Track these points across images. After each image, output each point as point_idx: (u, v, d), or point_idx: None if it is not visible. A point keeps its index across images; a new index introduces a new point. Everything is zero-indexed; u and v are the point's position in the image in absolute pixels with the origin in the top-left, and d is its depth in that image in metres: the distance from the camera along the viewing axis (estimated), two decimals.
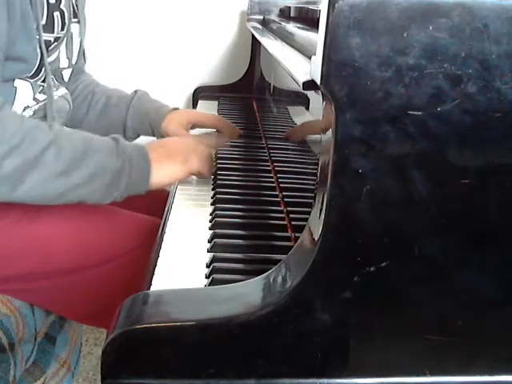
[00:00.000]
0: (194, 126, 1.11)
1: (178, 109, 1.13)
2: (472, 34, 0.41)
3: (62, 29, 0.93)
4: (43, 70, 0.89)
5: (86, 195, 0.76)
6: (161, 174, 0.82)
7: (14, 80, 0.85)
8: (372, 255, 0.46)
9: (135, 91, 1.16)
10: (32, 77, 0.88)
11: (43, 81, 0.91)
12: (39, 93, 0.92)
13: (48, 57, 0.89)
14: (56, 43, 0.92)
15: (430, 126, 0.43)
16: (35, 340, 0.90)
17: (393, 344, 0.49)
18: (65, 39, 0.95)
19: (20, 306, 0.87)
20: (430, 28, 0.41)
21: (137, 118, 1.11)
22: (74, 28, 0.99)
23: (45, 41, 0.87)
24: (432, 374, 0.50)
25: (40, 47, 0.86)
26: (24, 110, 0.90)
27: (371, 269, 0.46)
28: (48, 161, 0.71)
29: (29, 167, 0.70)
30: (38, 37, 0.85)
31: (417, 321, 0.49)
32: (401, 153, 0.44)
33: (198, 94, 1.51)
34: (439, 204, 0.45)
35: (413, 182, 0.44)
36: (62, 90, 1.01)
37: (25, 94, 0.87)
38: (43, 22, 0.86)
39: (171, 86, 1.59)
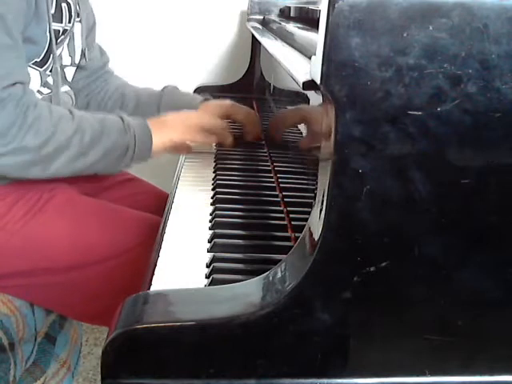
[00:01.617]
0: (226, 117, 1.10)
1: (208, 99, 1.14)
2: (472, 34, 0.41)
3: (69, 21, 0.96)
4: (51, 57, 0.91)
5: (98, 169, 0.89)
6: (161, 142, 0.92)
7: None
8: (372, 255, 0.46)
9: (165, 87, 1.17)
10: (40, 64, 0.90)
11: (50, 70, 0.93)
12: (43, 86, 0.93)
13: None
14: (63, 36, 0.95)
15: (430, 126, 0.43)
16: (35, 340, 0.90)
17: (393, 344, 0.49)
18: (68, 37, 0.97)
19: (20, 306, 0.87)
20: (430, 28, 0.41)
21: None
22: (77, 27, 1.00)
23: (54, 30, 0.90)
24: (432, 374, 0.50)
25: (49, 32, 0.89)
26: None
27: (371, 269, 0.46)
28: (74, 145, 0.84)
29: (59, 152, 0.83)
30: (47, 23, 0.88)
31: (417, 321, 0.49)
32: (401, 153, 0.44)
33: (198, 94, 1.51)
34: (439, 204, 0.45)
35: (413, 182, 0.44)
36: (65, 87, 1.02)
37: (33, 82, 0.89)
38: (52, 10, 0.90)
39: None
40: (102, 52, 1.19)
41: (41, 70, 0.91)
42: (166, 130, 0.93)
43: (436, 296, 0.48)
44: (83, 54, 1.06)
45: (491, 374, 0.51)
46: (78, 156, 0.84)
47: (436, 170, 0.44)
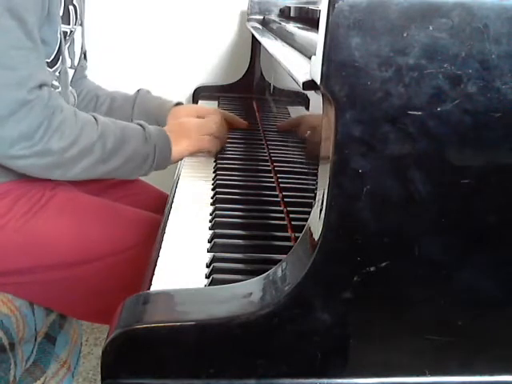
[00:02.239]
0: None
1: (180, 103, 1.16)
2: (472, 33, 0.41)
3: (75, 23, 0.98)
4: (60, 59, 0.93)
5: (118, 175, 0.94)
6: (178, 152, 0.96)
7: None
8: (372, 255, 0.46)
9: (138, 90, 1.18)
10: (50, 65, 0.91)
11: (59, 72, 0.94)
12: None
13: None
14: (68, 38, 0.96)
15: (430, 126, 0.43)
16: (35, 340, 0.90)
17: (393, 344, 0.49)
18: (70, 40, 0.98)
19: (20, 306, 0.87)
20: (430, 28, 0.41)
21: (142, 116, 1.13)
22: (77, 30, 1.01)
23: (62, 32, 0.92)
24: (432, 374, 0.50)
25: (60, 33, 0.91)
26: None
27: (371, 269, 0.46)
28: (96, 151, 0.86)
29: (82, 157, 0.85)
30: (58, 24, 0.90)
31: (417, 321, 0.49)
32: (401, 153, 0.44)
33: (198, 94, 1.51)
34: (439, 204, 0.45)
35: (413, 182, 0.44)
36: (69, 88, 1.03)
37: None
38: (61, 12, 0.91)
39: (171, 86, 1.58)
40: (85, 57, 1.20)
41: (50, 70, 0.92)
42: (184, 141, 0.97)
43: (436, 296, 0.48)
44: (84, 56, 1.08)
45: (491, 374, 0.51)
46: (99, 162, 0.86)
47: (436, 169, 0.44)
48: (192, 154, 1.00)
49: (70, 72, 1.04)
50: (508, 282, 0.48)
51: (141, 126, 0.94)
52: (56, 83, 0.95)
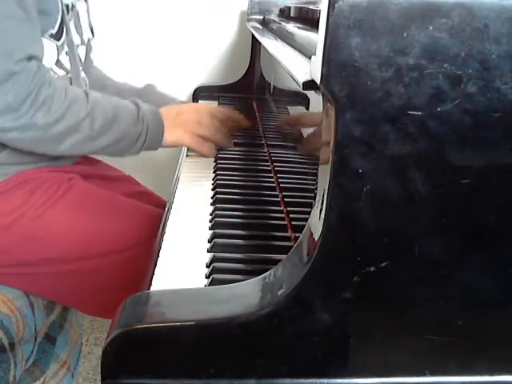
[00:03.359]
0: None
1: (184, 103, 1.16)
2: (472, 33, 0.41)
3: None
4: (65, 30, 0.93)
5: (109, 153, 0.93)
6: (171, 139, 0.95)
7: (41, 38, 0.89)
8: (372, 255, 0.46)
9: (146, 85, 1.19)
10: (57, 37, 0.91)
11: (67, 45, 0.94)
12: (58, 66, 0.93)
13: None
14: (72, 12, 0.96)
15: (430, 126, 0.43)
16: (35, 340, 0.90)
17: (393, 344, 0.49)
18: (72, 17, 0.97)
19: (20, 306, 0.87)
20: (430, 28, 0.41)
21: None
22: (81, 5, 1.01)
23: (65, 3, 0.92)
24: (432, 374, 0.50)
25: (61, 2, 0.90)
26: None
27: (371, 269, 0.46)
28: (83, 129, 0.85)
29: (68, 133, 0.84)
30: None
31: (417, 321, 0.49)
32: (401, 153, 0.44)
33: (198, 94, 1.51)
34: (439, 204, 0.45)
35: (413, 182, 0.44)
36: (80, 73, 1.03)
37: (49, 56, 0.90)
38: None
39: (171, 86, 1.58)
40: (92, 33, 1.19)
41: (58, 43, 0.92)
42: (177, 130, 0.95)
43: (436, 296, 0.48)
44: (91, 31, 1.07)
45: (491, 374, 0.51)
46: (87, 140, 0.85)
47: (436, 170, 0.44)
48: (181, 147, 0.99)
49: (82, 49, 1.04)
50: (508, 282, 0.48)
51: (135, 104, 0.92)
52: (67, 66, 0.94)
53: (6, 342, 0.81)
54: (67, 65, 0.95)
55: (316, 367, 0.48)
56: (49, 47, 0.90)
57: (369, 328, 0.48)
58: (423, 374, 0.49)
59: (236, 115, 1.12)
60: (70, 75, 0.96)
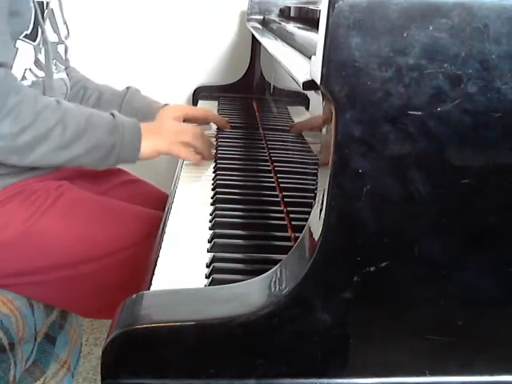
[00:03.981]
0: (185, 120, 1.11)
1: (167, 105, 1.14)
2: (472, 33, 0.41)
3: None
4: (40, 31, 0.90)
5: (84, 163, 0.88)
6: (148, 147, 0.91)
7: (16, 41, 0.87)
8: (372, 255, 0.46)
9: (127, 88, 1.17)
10: (32, 37, 0.89)
11: (42, 46, 0.92)
12: (36, 66, 0.91)
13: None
14: (46, 10, 0.93)
15: (430, 126, 0.43)
16: (35, 340, 0.90)
17: (393, 344, 0.49)
18: (48, 15, 0.95)
19: (20, 306, 0.87)
20: (430, 28, 0.41)
21: (129, 114, 1.11)
22: (54, 3, 0.99)
23: (38, 2, 0.89)
24: (432, 373, 0.49)
25: (33, 2, 0.87)
26: (24, 73, 0.90)
27: (371, 269, 0.46)
28: (54, 137, 0.82)
29: (37, 142, 0.81)
30: None
31: (417, 321, 0.49)
32: (401, 153, 0.44)
33: (198, 94, 1.51)
34: (439, 204, 0.45)
35: (413, 182, 0.44)
36: (62, 74, 1.01)
37: (26, 58, 0.88)
38: None
39: (171, 86, 1.59)
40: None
41: (34, 43, 0.89)
42: (156, 138, 0.92)
43: (436, 296, 0.48)
44: (66, 29, 1.04)
45: (491, 373, 0.51)
46: (58, 149, 0.83)
47: (436, 169, 0.44)
48: (163, 155, 0.95)
49: (61, 48, 1.02)
50: (508, 282, 0.48)
51: (112, 115, 0.90)
52: (43, 60, 0.92)
53: (5, 342, 0.81)
54: (43, 66, 0.93)
55: (316, 367, 0.48)
56: (25, 48, 0.88)
57: (369, 328, 0.48)
58: (423, 374, 0.49)
59: (212, 114, 1.13)
60: (44, 78, 0.94)
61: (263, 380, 0.48)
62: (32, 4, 0.88)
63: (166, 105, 1.14)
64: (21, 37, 0.87)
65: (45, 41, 0.92)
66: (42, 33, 0.91)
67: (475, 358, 0.50)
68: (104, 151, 0.87)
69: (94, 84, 1.18)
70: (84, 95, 1.14)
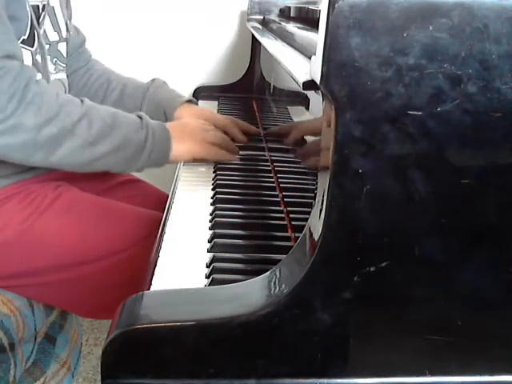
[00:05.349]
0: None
1: (192, 100, 1.13)
2: (472, 33, 0.41)
3: None
4: (36, 35, 0.89)
5: (111, 165, 0.84)
6: (180, 150, 0.89)
7: None
8: (372, 255, 0.46)
9: (152, 80, 1.16)
10: (29, 43, 0.87)
11: (39, 47, 0.91)
12: (36, 69, 0.91)
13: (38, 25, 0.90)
14: (44, 12, 0.92)
15: (430, 126, 0.43)
16: (35, 340, 0.90)
17: (393, 344, 0.49)
18: (48, 12, 0.94)
19: (20, 306, 0.87)
20: (430, 28, 0.41)
21: (151, 107, 1.10)
22: (54, 1, 0.98)
23: (32, 6, 0.88)
24: (432, 373, 0.50)
25: (28, 7, 0.86)
26: None
27: (371, 269, 0.46)
28: (80, 132, 0.79)
29: (63, 137, 0.77)
30: None
31: (417, 321, 0.49)
32: (401, 153, 0.44)
33: (198, 94, 1.51)
34: (439, 204, 0.45)
35: (413, 182, 0.44)
36: (61, 75, 1.00)
37: (25, 61, 0.87)
38: None
39: (171, 86, 1.58)
40: (77, 30, 1.16)
41: (32, 49, 0.88)
42: (187, 141, 0.90)
43: (436, 296, 0.48)
44: (66, 27, 1.03)
45: (491, 373, 0.51)
46: (85, 145, 0.79)
47: (436, 169, 0.44)
48: (193, 161, 0.93)
49: (62, 46, 1.01)
50: (508, 282, 0.48)
51: (138, 115, 0.87)
52: (37, 75, 0.90)
53: (5, 342, 0.81)
54: (41, 68, 0.92)
55: (316, 367, 0.48)
56: (24, 54, 0.87)
57: (369, 328, 0.48)
58: (423, 374, 0.49)
59: (242, 123, 1.08)
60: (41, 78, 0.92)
61: (263, 380, 0.48)
62: (28, 8, 0.87)
63: (189, 100, 1.11)
64: (19, 42, 0.86)
65: (41, 44, 0.91)
66: (39, 37, 0.90)
67: (475, 358, 0.51)
68: (132, 150, 0.83)
69: (118, 76, 1.16)
70: (108, 88, 1.13)
